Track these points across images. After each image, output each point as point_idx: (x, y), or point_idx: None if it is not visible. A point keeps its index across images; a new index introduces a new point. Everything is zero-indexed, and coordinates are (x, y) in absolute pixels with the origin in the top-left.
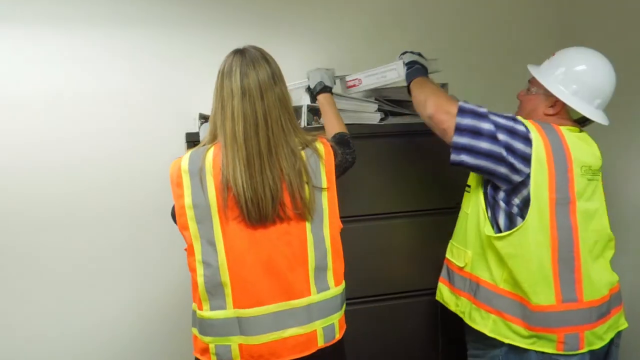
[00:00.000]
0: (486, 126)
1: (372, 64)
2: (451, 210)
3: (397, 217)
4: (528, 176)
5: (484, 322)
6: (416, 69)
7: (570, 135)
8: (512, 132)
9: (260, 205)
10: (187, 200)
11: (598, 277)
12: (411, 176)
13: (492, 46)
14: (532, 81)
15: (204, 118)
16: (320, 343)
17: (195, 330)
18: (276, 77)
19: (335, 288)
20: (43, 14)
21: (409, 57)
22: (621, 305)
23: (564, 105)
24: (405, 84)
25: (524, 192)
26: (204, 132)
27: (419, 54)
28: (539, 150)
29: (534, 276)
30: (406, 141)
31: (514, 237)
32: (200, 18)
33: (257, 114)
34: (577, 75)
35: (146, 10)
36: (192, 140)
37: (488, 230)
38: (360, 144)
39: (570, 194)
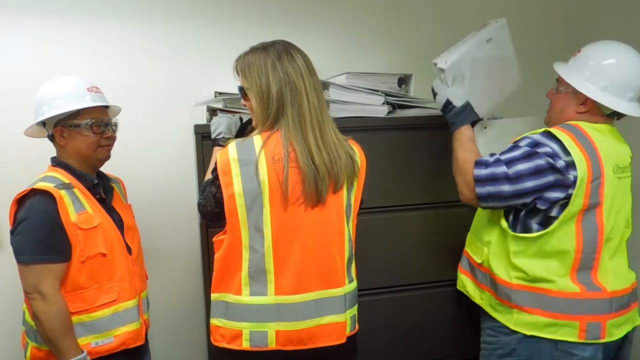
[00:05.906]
0: (507, 188)
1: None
2: (459, 203)
3: (404, 210)
4: (562, 198)
5: (507, 317)
6: (465, 115)
7: (597, 136)
8: (538, 173)
9: (324, 179)
10: (237, 188)
11: (620, 269)
12: (419, 169)
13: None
14: (560, 79)
15: (218, 104)
16: (348, 331)
17: (218, 320)
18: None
19: (356, 280)
20: (46, 4)
21: (462, 99)
22: (637, 302)
23: (594, 101)
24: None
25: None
26: (217, 125)
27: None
28: (582, 169)
29: (554, 273)
30: (414, 134)
31: (539, 239)
32: (208, 11)
33: (315, 91)
34: (606, 70)
35: (150, 3)
36: (201, 132)
37: (505, 229)
38: (368, 138)
39: (600, 198)
